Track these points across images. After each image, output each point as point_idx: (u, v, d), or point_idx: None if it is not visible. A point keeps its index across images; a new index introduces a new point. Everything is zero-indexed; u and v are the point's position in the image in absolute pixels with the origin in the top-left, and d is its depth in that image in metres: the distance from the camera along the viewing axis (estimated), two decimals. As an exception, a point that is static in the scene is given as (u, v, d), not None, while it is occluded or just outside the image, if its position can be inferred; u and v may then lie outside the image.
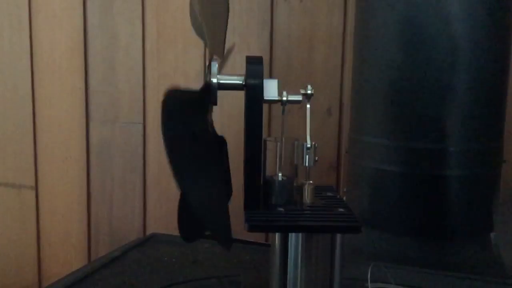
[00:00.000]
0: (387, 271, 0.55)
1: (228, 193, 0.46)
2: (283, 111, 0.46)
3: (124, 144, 1.07)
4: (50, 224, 1.13)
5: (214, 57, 0.45)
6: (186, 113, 0.40)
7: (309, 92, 0.46)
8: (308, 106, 0.46)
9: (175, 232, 0.46)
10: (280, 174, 0.46)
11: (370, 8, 0.72)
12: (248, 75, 0.44)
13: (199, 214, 0.40)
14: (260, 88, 0.44)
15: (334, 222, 0.44)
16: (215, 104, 0.45)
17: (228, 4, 0.42)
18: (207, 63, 0.46)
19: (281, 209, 0.45)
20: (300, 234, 0.44)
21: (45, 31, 1.08)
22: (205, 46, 0.45)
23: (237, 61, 1.04)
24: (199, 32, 0.49)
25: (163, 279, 0.60)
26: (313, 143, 0.46)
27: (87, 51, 1.06)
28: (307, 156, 0.46)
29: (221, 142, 0.47)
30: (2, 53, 1.12)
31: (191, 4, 0.51)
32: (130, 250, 0.69)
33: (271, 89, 0.45)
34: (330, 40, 0.94)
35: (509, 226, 0.78)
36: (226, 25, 0.43)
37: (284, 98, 0.45)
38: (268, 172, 0.47)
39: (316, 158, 0.46)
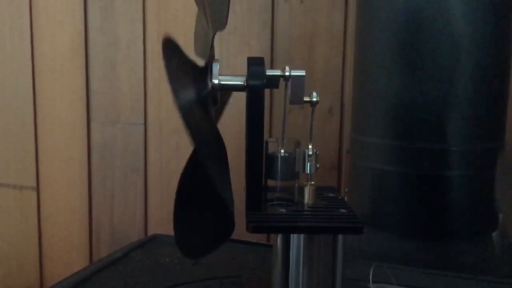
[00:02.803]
0: (388, 271, 0.55)
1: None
2: (286, 86, 0.45)
3: (125, 145, 1.07)
4: (52, 225, 1.13)
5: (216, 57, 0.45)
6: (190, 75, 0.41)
7: (314, 99, 0.46)
8: (312, 114, 0.46)
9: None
10: (282, 151, 0.46)
11: (371, 8, 0.72)
12: (250, 76, 0.44)
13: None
14: (261, 89, 0.44)
15: (335, 223, 0.44)
16: (216, 104, 0.45)
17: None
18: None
19: (282, 210, 0.45)
20: (301, 235, 0.44)
21: (46, 32, 1.08)
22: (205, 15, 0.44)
23: (238, 62, 1.04)
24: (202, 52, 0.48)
25: (164, 280, 0.60)
26: (315, 150, 0.46)
27: (88, 52, 1.06)
28: (308, 164, 0.46)
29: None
30: (4, 55, 1.12)
31: None
32: (132, 251, 0.69)
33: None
34: (331, 40, 0.94)
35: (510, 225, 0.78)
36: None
37: (287, 73, 0.45)
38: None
39: (318, 165, 0.46)
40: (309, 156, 0.46)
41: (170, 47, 0.40)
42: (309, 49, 0.95)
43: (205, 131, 0.41)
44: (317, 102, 0.46)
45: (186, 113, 0.38)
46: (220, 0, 0.42)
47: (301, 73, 0.44)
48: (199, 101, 0.42)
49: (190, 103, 0.40)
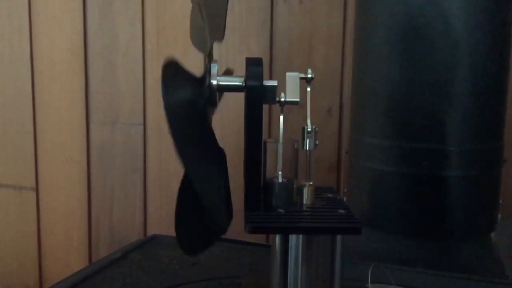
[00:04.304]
0: (387, 271, 0.55)
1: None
2: (281, 111, 0.46)
3: (124, 145, 1.07)
4: (51, 226, 1.13)
5: (214, 58, 0.45)
6: (185, 81, 0.41)
7: (309, 76, 0.46)
8: (308, 89, 0.46)
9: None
10: (280, 173, 0.46)
11: (370, 8, 0.72)
12: (248, 76, 0.44)
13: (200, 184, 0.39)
14: (260, 90, 0.44)
15: (334, 223, 0.44)
16: (215, 105, 0.45)
17: None
18: (206, 62, 0.46)
19: (281, 210, 0.45)
20: (300, 236, 0.44)
21: (45, 32, 1.08)
22: (204, 58, 0.45)
23: (237, 62, 1.04)
24: (199, 44, 0.49)
25: (163, 281, 0.60)
26: (314, 127, 0.46)
27: (87, 52, 1.06)
28: (308, 140, 0.46)
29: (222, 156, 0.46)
30: (3, 55, 1.12)
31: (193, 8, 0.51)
32: (131, 251, 0.69)
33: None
34: (330, 40, 0.94)
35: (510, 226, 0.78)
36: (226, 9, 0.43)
37: (282, 99, 0.45)
38: (268, 173, 0.47)
39: (317, 142, 0.46)
40: (308, 132, 0.46)
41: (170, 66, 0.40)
42: (308, 49, 0.95)
43: (191, 134, 0.40)
44: (312, 78, 0.46)
45: (171, 113, 0.37)
46: (218, 13, 0.42)
47: (296, 99, 0.45)
48: (192, 105, 0.42)
49: (178, 104, 0.39)
